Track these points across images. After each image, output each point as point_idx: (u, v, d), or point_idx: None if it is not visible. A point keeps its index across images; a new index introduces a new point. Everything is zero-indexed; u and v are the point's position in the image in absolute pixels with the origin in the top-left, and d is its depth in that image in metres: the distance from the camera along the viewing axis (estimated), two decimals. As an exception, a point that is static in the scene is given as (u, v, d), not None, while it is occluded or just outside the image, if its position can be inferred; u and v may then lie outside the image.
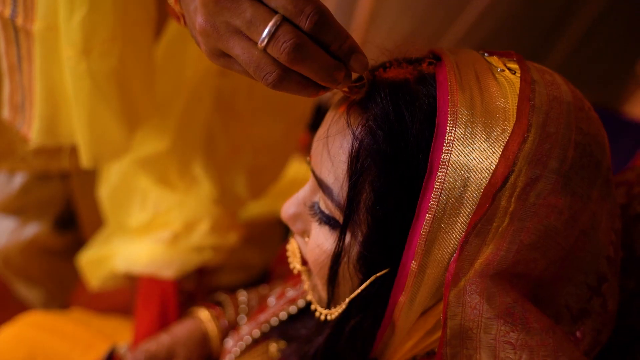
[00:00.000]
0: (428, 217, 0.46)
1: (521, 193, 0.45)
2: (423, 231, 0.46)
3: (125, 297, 1.25)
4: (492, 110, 0.46)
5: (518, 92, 0.47)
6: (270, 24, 0.43)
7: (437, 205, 0.46)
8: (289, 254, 0.61)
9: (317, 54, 0.44)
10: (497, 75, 0.49)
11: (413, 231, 0.47)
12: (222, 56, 0.48)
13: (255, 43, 0.44)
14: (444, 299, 0.47)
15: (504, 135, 0.45)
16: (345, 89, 0.50)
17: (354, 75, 0.48)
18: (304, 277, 0.60)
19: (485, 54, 0.53)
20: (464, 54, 0.51)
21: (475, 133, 0.46)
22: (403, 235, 0.48)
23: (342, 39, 0.45)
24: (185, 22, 0.54)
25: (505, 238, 0.45)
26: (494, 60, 0.51)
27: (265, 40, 0.43)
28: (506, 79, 0.48)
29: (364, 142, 0.48)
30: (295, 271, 0.60)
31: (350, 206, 0.49)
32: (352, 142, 0.49)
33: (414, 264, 0.48)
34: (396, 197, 0.48)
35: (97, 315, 1.02)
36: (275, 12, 0.43)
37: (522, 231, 0.45)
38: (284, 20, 0.43)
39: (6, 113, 0.79)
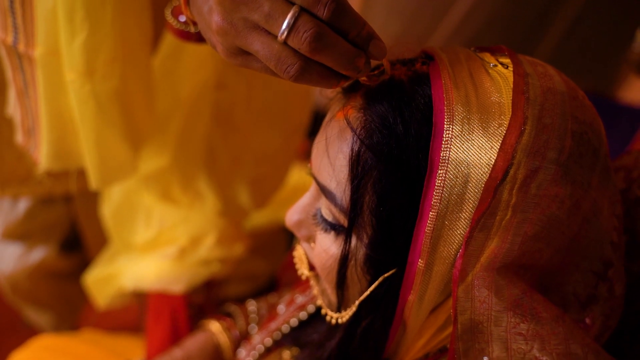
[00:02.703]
0: (431, 215, 0.47)
1: (522, 185, 0.45)
2: (427, 229, 0.47)
3: (134, 314, 1.25)
4: (488, 106, 0.47)
5: (512, 86, 0.47)
6: (289, 16, 0.43)
7: (439, 203, 0.46)
8: (296, 260, 0.61)
9: (337, 42, 0.44)
10: (490, 71, 0.49)
11: (418, 230, 0.48)
12: (240, 54, 0.48)
13: (275, 36, 0.44)
14: (452, 295, 0.47)
15: (501, 130, 0.46)
16: (364, 78, 0.49)
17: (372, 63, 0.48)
18: (313, 282, 0.60)
19: (477, 51, 0.54)
20: (456, 52, 0.52)
21: (473, 129, 0.46)
22: (408, 234, 0.48)
23: (360, 26, 0.45)
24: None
25: (509, 231, 0.46)
26: (486, 56, 0.52)
27: (285, 32, 0.43)
28: (499, 74, 0.49)
29: (364, 145, 0.48)
30: (303, 277, 0.60)
31: (354, 209, 0.50)
32: (352, 146, 0.49)
33: (420, 262, 0.48)
34: (399, 197, 0.48)
35: (108, 334, 1.02)
36: (292, 3, 0.43)
37: (525, 223, 0.46)
38: (302, 10, 0.43)
39: (20, 138, 0.80)
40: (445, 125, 0.46)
